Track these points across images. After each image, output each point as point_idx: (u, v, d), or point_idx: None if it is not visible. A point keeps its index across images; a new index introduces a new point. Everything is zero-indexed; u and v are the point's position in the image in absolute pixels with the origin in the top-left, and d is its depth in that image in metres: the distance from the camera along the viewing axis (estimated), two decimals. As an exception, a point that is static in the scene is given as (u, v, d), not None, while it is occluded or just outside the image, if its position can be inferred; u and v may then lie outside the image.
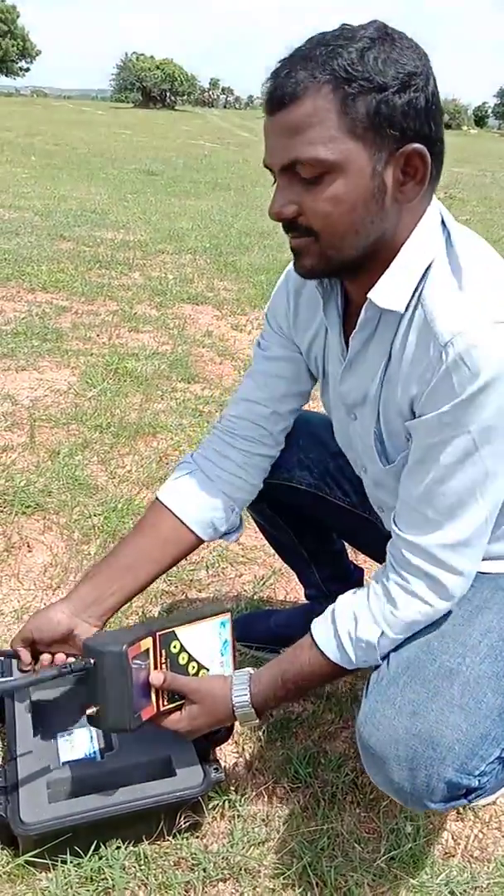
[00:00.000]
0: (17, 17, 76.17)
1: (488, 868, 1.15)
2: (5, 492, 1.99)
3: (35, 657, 1.14)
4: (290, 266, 1.08)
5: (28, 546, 1.82)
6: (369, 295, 0.93)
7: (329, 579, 1.51)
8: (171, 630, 1.09)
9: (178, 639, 1.10)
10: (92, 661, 1.00)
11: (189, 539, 1.20)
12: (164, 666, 1.08)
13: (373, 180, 0.85)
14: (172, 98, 71.25)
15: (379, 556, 1.42)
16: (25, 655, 1.13)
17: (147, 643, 1.05)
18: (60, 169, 9.82)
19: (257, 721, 1.08)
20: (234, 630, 1.20)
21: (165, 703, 1.07)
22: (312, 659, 1.03)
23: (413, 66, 0.83)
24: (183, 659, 1.11)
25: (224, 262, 5.06)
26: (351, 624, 1.00)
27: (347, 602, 1.03)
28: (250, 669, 1.10)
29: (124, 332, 3.47)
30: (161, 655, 1.07)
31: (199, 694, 1.07)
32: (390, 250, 0.91)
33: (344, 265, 0.93)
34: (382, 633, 0.98)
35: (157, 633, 1.07)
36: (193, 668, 1.13)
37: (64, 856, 1.06)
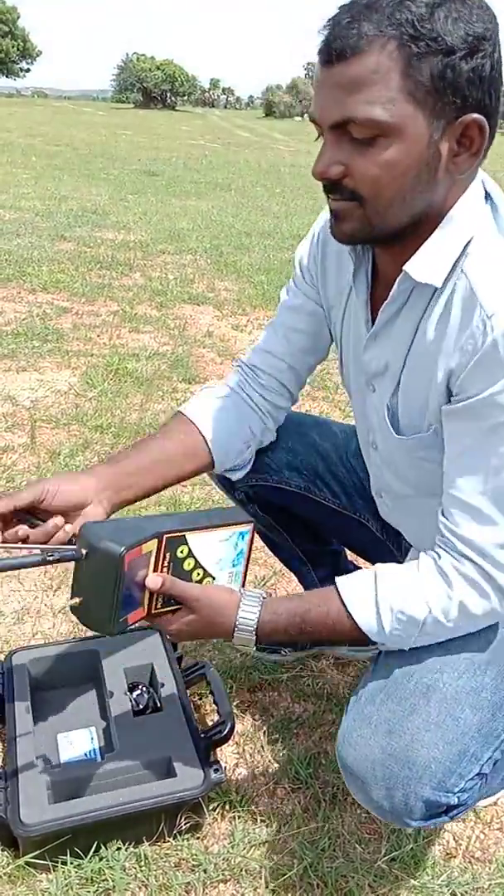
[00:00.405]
0: (18, 17, 76.21)
1: (490, 869, 1.15)
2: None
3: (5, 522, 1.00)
4: (324, 213, 1.03)
5: (28, 547, 1.81)
6: (405, 268, 0.89)
7: (327, 579, 1.48)
8: (181, 534, 0.99)
9: (187, 543, 1.00)
10: (84, 552, 0.90)
11: (205, 461, 1.16)
12: (165, 570, 0.98)
13: (428, 148, 0.81)
14: (173, 98, 71.27)
15: (370, 557, 1.43)
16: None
17: (150, 546, 0.95)
18: (61, 169, 9.82)
19: (252, 649, 1.00)
20: (252, 543, 1.11)
21: (159, 606, 0.98)
22: (338, 617, 0.95)
23: (483, 29, 0.78)
24: (188, 565, 1.01)
25: (225, 263, 5.05)
26: (396, 595, 0.92)
27: (393, 574, 0.95)
28: (263, 592, 1.01)
29: (125, 332, 3.47)
30: (164, 559, 0.98)
31: (198, 603, 0.98)
32: (432, 222, 0.88)
33: (385, 234, 0.89)
34: (431, 611, 0.91)
35: (165, 536, 0.96)
36: (198, 575, 1.03)
37: (64, 857, 1.06)
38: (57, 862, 1.05)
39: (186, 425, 1.16)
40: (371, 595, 0.93)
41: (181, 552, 1.00)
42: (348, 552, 1.57)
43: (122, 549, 0.88)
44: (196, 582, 1.02)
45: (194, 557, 1.02)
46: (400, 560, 1.21)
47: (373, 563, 1.02)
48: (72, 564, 0.94)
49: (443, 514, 0.93)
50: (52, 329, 3.35)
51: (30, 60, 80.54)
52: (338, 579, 0.97)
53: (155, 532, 0.95)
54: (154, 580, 0.95)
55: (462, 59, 0.77)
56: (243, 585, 1.11)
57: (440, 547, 0.93)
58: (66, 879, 1.05)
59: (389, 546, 1.32)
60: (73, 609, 0.93)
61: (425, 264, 0.88)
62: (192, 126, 30.59)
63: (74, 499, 1.02)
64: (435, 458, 0.98)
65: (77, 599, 0.92)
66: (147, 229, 6.03)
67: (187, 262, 5.04)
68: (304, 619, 0.97)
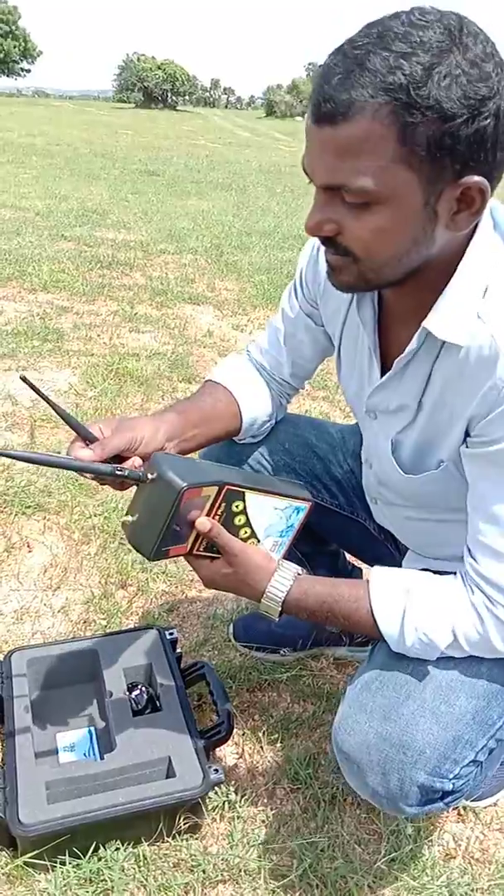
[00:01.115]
0: (19, 18, 76.24)
1: (489, 870, 1.14)
2: (5, 492, 1.98)
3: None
4: None
5: (28, 546, 1.81)
6: (426, 325, 0.87)
7: None
8: (242, 490, 1.01)
9: (244, 500, 1.02)
10: (150, 476, 0.94)
11: (236, 426, 1.21)
12: (217, 517, 1.00)
13: (424, 212, 0.79)
14: (174, 98, 71.29)
15: (368, 557, 1.42)
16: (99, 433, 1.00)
17: (210, 491, 0.97)
18: (61, 169, 9.81)
19: (276, 618, 1.01)
20: (304, 522, 1.12)
21: (201, 549, 1.00)
22: (364, 618, 0.96)
23: (487, 89, 0.72)
24: (239, 521, 1.03)
25: (225, 262, 5.05)
26: (424, 617, 0.93)
27: (427, 594, 0.94)
28: (299, 568, 1.02)
29: (125, 332, 3.46)
30: (219, 507, 1.00)
31: (237, 558, 0.99)
32: (437, 271, 0.86)
33: (384, 285, 0.89)
34: (455, 640, 0.93)
35: (227, 487, 0.99)
36: (245, 533, 1.05)
37: (63, 857, 1.05)
38: (56, 862, 1.05)
39: (223, 391, 1.19)
40: (399, 611, 0.94)
41: (236, 507, 1.02)
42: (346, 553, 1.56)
43: (185, 484, 0.92)
44: (241, 539, 1.04)
45: (247, 515, 1.04)
46: (398, 561, 1.21)
47: (370, 563, 1.02)
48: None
49: (470, 555, 0.94)
50: (52, 328, 3.34)
51: (30, 60, 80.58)
52: (372, 583, 0.97)
53: (218, 480, 0.98)
54: (203, 523, 0.97)
55: (462, 125, 0.73)
56: (284, 558, 1.11)
57: (472, 583, 0.93)
58: (64, 879, 1.04)
59: (388, 547, 1.32)
60: (124, 525, 0.97)
61: (446, 321, 0.86)
62: (193, 126, 30.58)
63: (153, 448, 1.03)
64: (439, 489, 1.00)
65: (130, 518, 0.96)
66: (147, 229, 6.03)
67: (188, 261, 5.04)
68: (332, 608, 0.98)
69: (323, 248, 0.87)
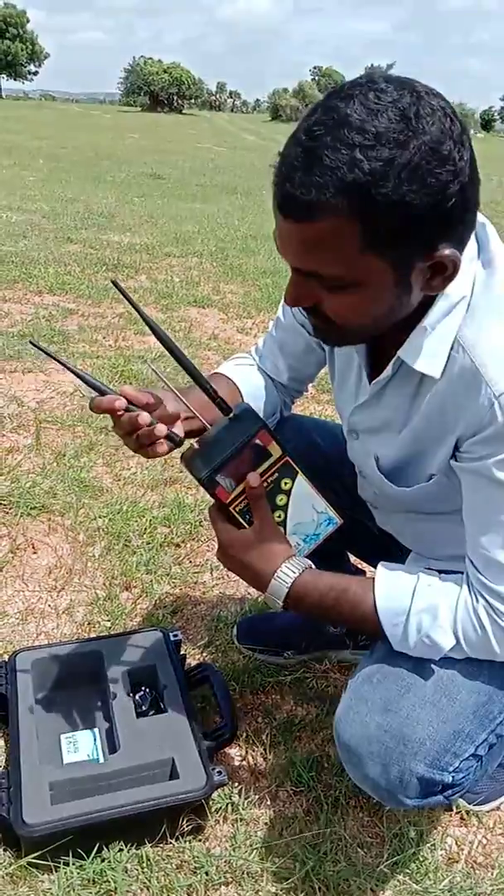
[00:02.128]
0: (27, 21, 76.54)
1: (492, 874, 1.14)
2: (11, 493, 1.99)
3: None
4: None
5: (33, 547, 1.82)
6: (400, 354, 0.90)
7: None
8: (297, 470, 1.02)
9: (293, 481, 1.02)
10: (235, 414, 0.97)
11: None
12: (266, 486, 1.00)
13: (397, 287, 0.80)
14: (180, 102, 71.45)
15: (371, 559, 1.43)
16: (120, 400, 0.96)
17: (275, 451, 0.99)
18: (68, 172, 9.84)
19: (279, 606, 1.01)
20: (328, 539, 1.10)
21: (237, 507, 0.99)
22: (368, 617, 0.97)
23: (448, 173, 0.72)
24: (281, 500, 1.03)
25: (230, 266, 5.06)
26: (427, 619, 0.94)
27: (432, 593, 0.95)
28: (311, 563, 1.02)
29: (130, 334, 3.47)
30: (272, 475, 1.00)
31: (261, 535, 0.99)
32: (418, 313, 0.87)
33: (368, 340, 0.94)
34: (458, 643, 0.94)
35: (287, 458, 1.00)
36: (279, 517, 1.04)
37: (66, 857, 1.06)
38: (59, 862, 1.05)
39: (227, 382, 1.19)
40: (404, 612, 0.95)
41: (285, 484, 1.02)
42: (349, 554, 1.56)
43: (262, 423, 0.97)
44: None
45: (288, 498, 1.03)
46: (401, 561, 1.21)
47: (374, 565, 1.03)
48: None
49: (472, 564, 0.95)
50: (57, 331, 3.35)
51: (38, 63, 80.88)
52: (377, 582, 0.98)
53: (285, 448, 1.00)
54: (255, 477, 0.97)
55: (428, 211, 0.73)
56: None
57: (476, 592, 0.94)
58: (67, 880, 1.04)
59: (390, 547, 1.32)
60: (185, 453, 0.99)
61: (421, 351, 0.88)
62: (199, 129, 30.65)
63: (176, 414, 1.04)
64: (434, 497, 1.01)
65: (195, 445, 0.98)
66: (153, 232, 6.04)
67: (193, 264, 5.05)
68: (336, 604, 0.99)
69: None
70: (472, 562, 0.94)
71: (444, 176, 0.72)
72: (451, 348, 0.86)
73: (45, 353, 0.97)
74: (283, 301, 1.19)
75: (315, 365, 1.23)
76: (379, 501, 1.16)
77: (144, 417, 0.93)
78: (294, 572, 0.99)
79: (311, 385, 1.33)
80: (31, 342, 0.96)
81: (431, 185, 0.72)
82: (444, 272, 0.80)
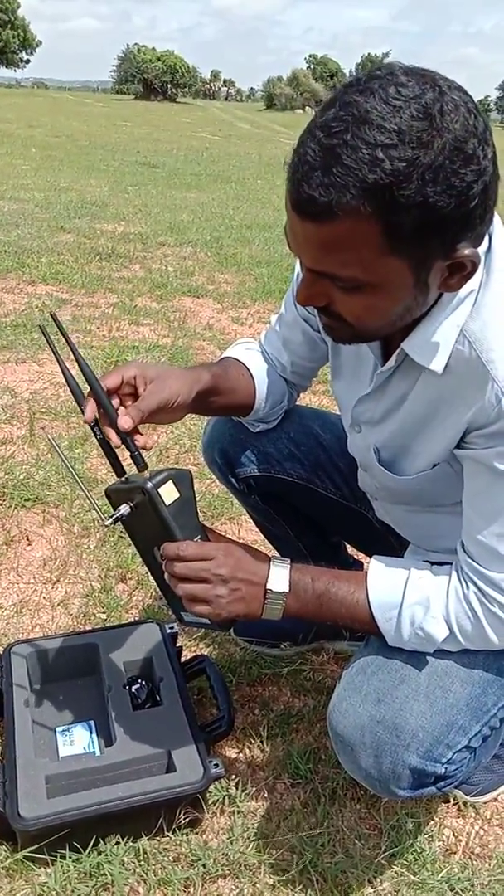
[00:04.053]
0: (18, 7, 75.79)
1: (489, 865, 1.14)
2: (4, 485, 1.98)
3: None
4: None
5: (27, 539, 1.81)
6: (404, 347, 0.89)
7: None
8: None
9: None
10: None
11: (248, 402, 1.20)
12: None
13: (415, 287, 0.78)
14: (173, 90, 70.97)
15: (368, 550, 1.42)
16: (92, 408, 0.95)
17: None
18: (61, 161, 9.77)
19: (279, 610, 0.97)
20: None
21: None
22: (360, 614, 0.96)
23: (473, 173, 0.70)
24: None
25: (225, 255, 5.03)
26: (420, 611, 0.93)
27: (424, 585, 0.94)
28: (290, 560, 1.00)
29: (124, 324, 3.45)
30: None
31: (229, 547, 0.99)
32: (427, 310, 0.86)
33: (381, 339, 0.93)
34: (451, 634, 0.94)
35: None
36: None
37: (63, 851, 1.05)
38: (55, 856, 1.05)
39: (240, 367, 1.18)
40: (396, 605, 0.95)
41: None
42: (347, 545, 1.56)
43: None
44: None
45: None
46: (399, 554, 1.21)
47: (371, 555, 1.02)
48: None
49: (464, 550, 0.94)
50: (51, 321, 3.33)
51: (30, 51, 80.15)
52: (369, 578, 0.97)
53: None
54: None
55: (450, 212, 0.71)
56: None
57: (468, 578, 0.93)
58: (64, 874, 1.04)
59: (389, 539, 1.31)
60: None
61: (425, 347, 0.87)
62: (193, 118, 30.46)
63: (183, 402, 1.01)
64: (435, 487, 1.01)
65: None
66: (147, 221, 6.00)
67: (187, 254, 5.02)
68: (329, 605, 0.97)
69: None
70: (464, 548, 0.94)
71: (469, 176, 0.70)
72: (456, 342, 0.85)
73: (48, 340, 0.96)
74: (286, 296, 1.19)
75: (318, 360, 1.22)
76: (380, 493, 1.15)
77: (113, 438, 0.95)
78: (285, 574, 0.97)
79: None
80: (39, 327, 0.96)
81: (455, 186, 0.70)
82: (463, 271, 0.78)
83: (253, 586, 0.97)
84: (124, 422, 0.94)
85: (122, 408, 0.96)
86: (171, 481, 0.97)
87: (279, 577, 0.97)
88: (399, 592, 0.95)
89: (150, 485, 0.95)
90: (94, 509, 0.99)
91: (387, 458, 1.05)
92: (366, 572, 0.99)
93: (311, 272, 0.80)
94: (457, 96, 0.71)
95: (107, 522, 0.99)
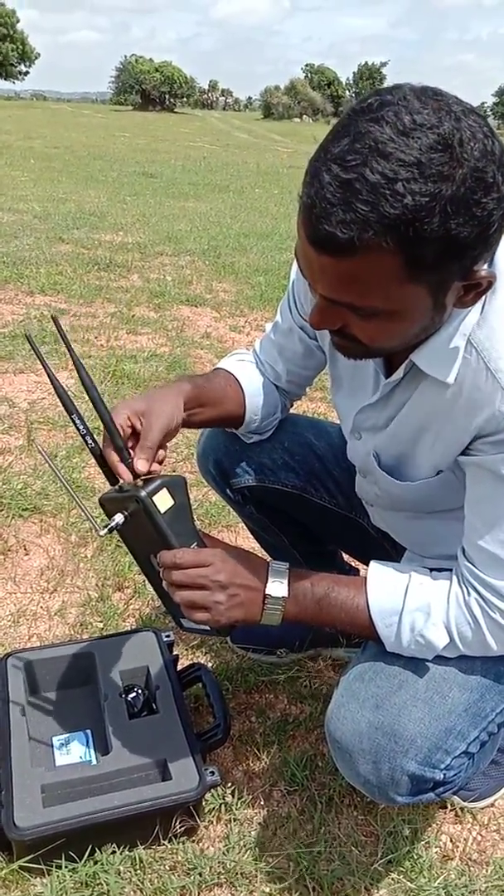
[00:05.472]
0: (17, 21, 76.27)
1: (486, 871, 1.14)
2: (2, 495, 1.98)
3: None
4: None
5: (24, 549, 1.81)
6: (413, 358, 0.88)
7: None
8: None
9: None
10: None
11: (239, 413, 1.20)
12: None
13: (433, 310, 0.78)
14: (171, 100, 71.26)
15: (364, 558, 1.42)
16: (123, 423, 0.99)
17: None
18: (59, 171, 9.82)
19: (278, 615, 0.98)
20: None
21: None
22: (360, 620, 0.96)
23: (493, 200, 0.69)
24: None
25: (223, 264, 5.05)
26: (421, 618, 0.93)
27: (424, 591, 0.94)
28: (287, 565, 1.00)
29: (122, 334, 3.46)
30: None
31: (225, 553, 0.99)
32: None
33: (392, 354, 0.92)
34: (451, 641, 0.94)
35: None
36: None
37: (58, 861, 1.05)
38: (51, 866, 1.05)
39: (229, 378, 1.19)
40: (396, 612, 0.95)
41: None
42: (343, 552, 1.56)
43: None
44: None
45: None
46: (396, 560, 1.21)
47: (367, 563, 1.02)
48: None
49: (465, 556, 0.94)
50: (49, 331, 3.34)
51: (28, 63, 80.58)
52: (368, 584, 0.97)
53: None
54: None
55: (472, 239, 0.70)
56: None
57: (469, 585, 0.93)
58: (60, 883, 1.04)
59: (385, 546, 1.32)
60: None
61: (435, 356, 0.86)
62: (191, 128, 30.61)
63: (178, 427, 1.03)
64: (437, 493, 1.01)
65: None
66: (145, 231, 6.03)
67: (185, 263, 5.04)
68: (329, 611, 0.97)
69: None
70: (465, 554, 0.94)
71: (490, 204, 0.69)
72: (465, 350, 0.85)
73: (36, 353, 0.97)
74: (281, 304, 1.19)
75: (314, 368, 1.22)
76: (379, 500, 1.15)
77: (113, 458, 0.97)
78: (283, 579, 0.98)
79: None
80: (26, 336, 0.97)
81: (477, 216, 0.69)
82: (479, 288, 0.78)
83: (251, 591, 0.97)
84: (141, 465, 0.97)
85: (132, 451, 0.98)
86: (165, 489, 0.97)
87: (278, 582, 0.97)
88: (400, 598, 0.95)
89: (143, 493, 0.95)
90: (89, 519, 0.98)
91: (388, 464, 1.05)
92: (365, 577, 0.99)
93: (327, 300, 0.78)
94: (473, 121, 0.69)
95: (101, 532, 0.98)
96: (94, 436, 1.00)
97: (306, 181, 0.72)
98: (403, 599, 0.94)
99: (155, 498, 0.96)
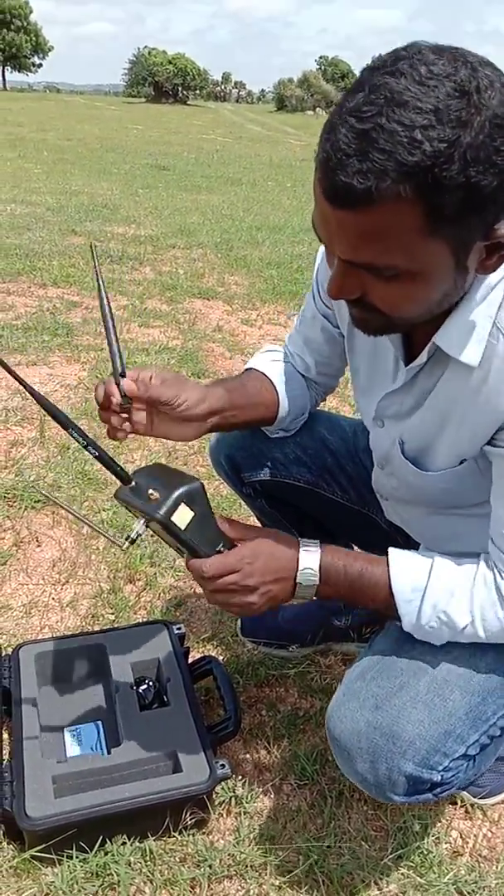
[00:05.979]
0: (30, 12, 76.26)
1: (497, 868, 1.14)
2: (15, 486, 1.99)
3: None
4: None
5: (37, 541, 1.82)
6: (436, 340, 0.87)
7: None
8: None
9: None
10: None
11: (271, 414, 1.20)
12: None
13: (455, 271, 0.76)
14: (184, 92, 71.12)
15: (377, 552, 1.42)
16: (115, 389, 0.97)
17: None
18: (72, 164, 9.82)
19: (312, 589, 0.97)
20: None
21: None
22: (381, 592, 0.95)
23: None
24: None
25: (235, 257, 5.04)
26: (445, 596, 0.92)
27: (449, 573, 0.93)
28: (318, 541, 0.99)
29: (135, 327, 3.46)
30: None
31: (259, 540, 0.99)
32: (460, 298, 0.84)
33: (413, 326, 0.88)
34: (472, 622, 0.92)
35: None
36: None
37: (69, 851, 1.06)
38: (62, 856, 1.05)
39: (266, 380, 1.19)
40: (421, 588, 0.93)
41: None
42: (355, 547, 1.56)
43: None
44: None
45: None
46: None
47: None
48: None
49: (494, 544, 0.94)
50: (61, 323, 3.35)
51: (42, 55, 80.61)
52: (391, 559, 0.96)
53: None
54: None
55: (493, 190, 0.68)
56: None
57: (495, 567, 0.93)
58: (71, 873, 1.04)
59: (398, 541, 1.31)
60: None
61: (458, 339, 0.85)
62: (204, 120, 30.53)
63: (193, 415, 1.02)
64: (459, 485, 0.99)
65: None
66: (157, 224, 6.02)
67: (197, 256, 5.03)
68: (352, 583, 0.97)
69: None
70: (494, 542, 0.94)
71: None
72: (490, 334, 0.83)
73: (95, 261, 0.97)
74: (309, 294, 1.18)
75: (340, 356, 1.20)
76: (397, 493, 1.13)
77: (116, 396, 0.95)
78: (314, 565, 0.96)
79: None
80: (90, 246, 0.95)
81: (498, 164, 0.67)
82: (501, 250, 0.75)
83: (283, 582, 0.97)
84: (126, 384, 0.95)
85: (130, 374, 0.97)
86: (182, 504, 0.94)
87: (309, 565, 0.96)
88: (424, 576, 0.94)
89: (161, 515, 0.92)
90: (108, 538, 0.98)
91: (412, 452, 1.03)
92: (387, 557, 0.97)
93: (345, 263, 0.76)
94: (489, 71, 0.68)
95: (123, 547, 0.97)
96: (97, 443, 0.97)
97: (322, 137, 0.71)
98: (428, 577, 0.93)
99: (174, 517, 0.93)
